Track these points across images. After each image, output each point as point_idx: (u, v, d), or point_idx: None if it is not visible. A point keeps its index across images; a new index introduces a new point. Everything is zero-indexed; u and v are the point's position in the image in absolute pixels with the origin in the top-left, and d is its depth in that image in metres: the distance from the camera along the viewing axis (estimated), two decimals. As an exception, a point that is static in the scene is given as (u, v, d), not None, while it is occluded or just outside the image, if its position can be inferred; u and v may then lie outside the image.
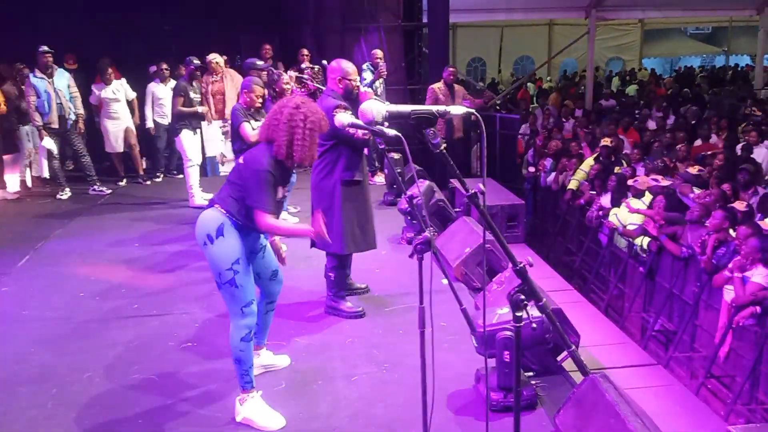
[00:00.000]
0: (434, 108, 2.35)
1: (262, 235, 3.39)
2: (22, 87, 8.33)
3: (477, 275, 5.15)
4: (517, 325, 2.10)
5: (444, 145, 2.26)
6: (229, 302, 3.22)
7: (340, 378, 3.77)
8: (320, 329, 4.41)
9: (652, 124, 11.61)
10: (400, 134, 2.59)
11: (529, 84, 18.21)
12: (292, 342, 4.20)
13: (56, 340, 4.30)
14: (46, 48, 7.88)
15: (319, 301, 4.76)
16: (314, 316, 4.60)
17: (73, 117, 8.23)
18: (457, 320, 3.42)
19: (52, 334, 4.40)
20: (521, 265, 2.10)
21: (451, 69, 8.97)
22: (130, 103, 9.05)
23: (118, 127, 8.94)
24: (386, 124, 2.78)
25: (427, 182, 6.83)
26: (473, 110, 2.32)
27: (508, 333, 3.28)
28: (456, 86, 8.92)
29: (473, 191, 2.13)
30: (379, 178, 8.75)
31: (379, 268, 5.52)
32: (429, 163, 8.60)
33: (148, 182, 9.15)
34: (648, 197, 7.38)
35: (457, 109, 2.36)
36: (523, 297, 2.04)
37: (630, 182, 7.62)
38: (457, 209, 7.00)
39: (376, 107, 2.44)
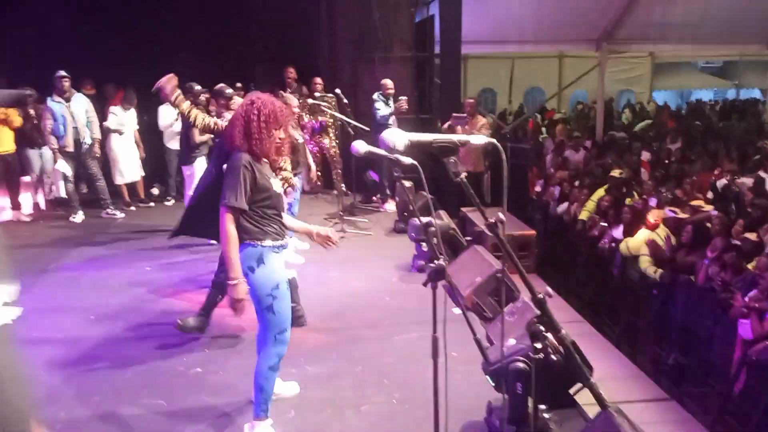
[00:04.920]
0: (455, 137, 2.37)
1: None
2: (29, 111, 8.45)
3: (488, 305, 5.10)
4: (533, 356, 2.07)
5: (464, 174, 2.27)
6: (264, 329, 3.25)
7: (350, 407, 3.73)
8: (330, 357, 4.38)
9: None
10: (416, 162, 2.60)
11: (537, 114, 18.25)
12: (301, 369, 4.16)
13: (65, 363, 4.29)
14: (63, 72, 8.03)
15: (328, 328, 4.73)
16: (324, 344, 4.56)
17: (89, 141, 8.32)
18: (468, 350, 3.38)
19: (61, 356, 4.39)
20: (540, 295, 2.08)
21: (468, 101, 8.98)
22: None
23: (133, 153, 9.08)
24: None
25: (442, 212, 6.84)
26: (493, 140, 2.33)
27: (521, 365, 3.23)
28: (479, 117, 8.80)
29: (492, 220, 2.12)
30: (390, 206, 8.75)
31: (390, 296, 5.50)
32: (440, 191, 8.60)
33: (152, 204, 9.35)
34: (662, 230, 7.33)
35: (478, 139, 2.37)
36: (542, 328, 2.01)
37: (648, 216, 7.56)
38: (468, 238, 6.97)
39: (398, 136, 2.45)
